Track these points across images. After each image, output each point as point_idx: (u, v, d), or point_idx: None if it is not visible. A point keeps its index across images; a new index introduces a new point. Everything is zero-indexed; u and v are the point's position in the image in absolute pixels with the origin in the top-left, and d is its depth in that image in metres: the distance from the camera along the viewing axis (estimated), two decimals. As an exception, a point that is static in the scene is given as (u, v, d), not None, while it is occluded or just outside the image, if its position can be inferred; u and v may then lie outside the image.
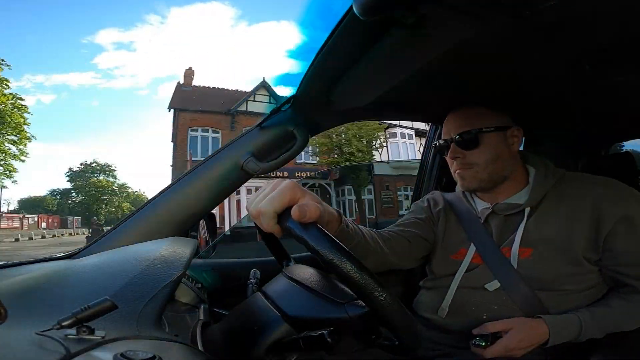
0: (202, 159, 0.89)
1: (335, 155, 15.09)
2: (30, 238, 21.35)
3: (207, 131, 16.15)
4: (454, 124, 0.91)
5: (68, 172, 40.95)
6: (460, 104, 0.94)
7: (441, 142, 0.94)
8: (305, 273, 0.60)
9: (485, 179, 0.89)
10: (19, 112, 15.62)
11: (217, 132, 16.16)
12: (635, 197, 0.81)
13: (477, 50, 0.74)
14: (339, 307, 0.51)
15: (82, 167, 40.69)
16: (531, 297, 0.81)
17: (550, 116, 1.20)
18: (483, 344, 0.76)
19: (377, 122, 13.84)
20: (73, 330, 0.34)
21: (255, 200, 0.52)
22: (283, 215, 0.48)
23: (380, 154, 16.45)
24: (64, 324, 0.33)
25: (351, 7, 0.54)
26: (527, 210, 0.86)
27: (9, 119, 15.08)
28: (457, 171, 0.92)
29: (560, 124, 1.32)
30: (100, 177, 40.28)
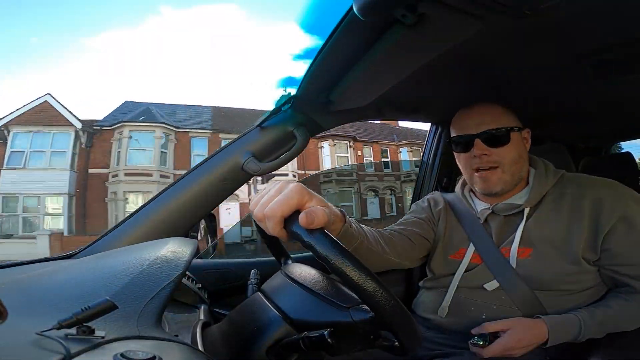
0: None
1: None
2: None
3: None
4: (478, 120, 0.87)
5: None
6: (460, 104, 0.94)
7: (460, 137, 0.90)
8: (307, 274, 0.60)
9: (509, 180, 0.87)
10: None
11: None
12: (634, 198, 0.82)
13: (477, 50, 0.74)
14: (344, 311, 0.51)
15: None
16: (530, 297, 0.81)
17: (551, 116, 1.20)
18: (481, 343, 0.76)
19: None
20: (73, 331, 0.34)
21: (261, 202, 0.50)
22: (289, 219, 0.47)
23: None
24: (64, 324, 0.33)
25: (351, 7, 0.54)
26: (527, 210, 0.86)
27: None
28: (479, 173, 0.88)
29: (561, 123, 1.32)
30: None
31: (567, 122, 1.31)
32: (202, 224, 0.93)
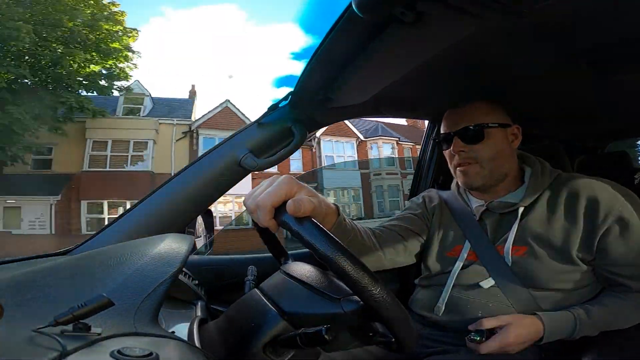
0: (200, 155, 0.89)
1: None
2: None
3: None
4: (457, 118, 0.91)
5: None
6: (458, 102, 0.94)
7: (442, 135, 0.93)
8: (302, 270, 0.60)
9: (487, 175, 0.89)
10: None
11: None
12: (630, 198, 0.82)
13: (475, 49, 0.74)
14: (335, 302, 0.51)
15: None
16: (525, 295, 0.82)
17: (548, 114, 1.21)
18: (478, 339, 0.77)
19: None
20: (69, 327, 0.34)
21: (253, 195, 0.53)
22: (279, 210, 0.49)
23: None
24: (60, 320, 0.33)
25: (350, 5, 0.54)
26: (522, 209, 0.87)
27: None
28: (459, 167, 0.91)
29: (558, 122, 1.32)
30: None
31: (564, 120, 1.31)
32: (199, 220, 0.93)
